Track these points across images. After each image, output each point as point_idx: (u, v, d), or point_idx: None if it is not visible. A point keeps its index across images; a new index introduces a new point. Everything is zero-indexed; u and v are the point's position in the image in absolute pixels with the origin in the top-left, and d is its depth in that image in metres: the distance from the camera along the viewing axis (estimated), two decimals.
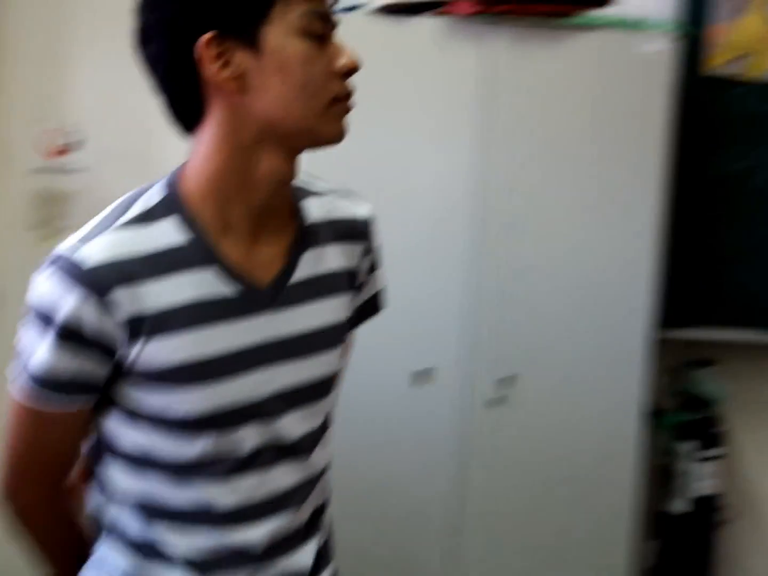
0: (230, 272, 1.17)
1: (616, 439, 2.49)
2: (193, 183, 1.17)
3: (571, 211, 2.43)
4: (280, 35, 1.12)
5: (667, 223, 2.49)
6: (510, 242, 2.42)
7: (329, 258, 1.28)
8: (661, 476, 2.74)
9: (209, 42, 1.10)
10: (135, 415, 1.17)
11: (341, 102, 1.17)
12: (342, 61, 1.16)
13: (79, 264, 1.09)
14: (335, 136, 1.18)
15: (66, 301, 1.09)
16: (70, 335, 1.10)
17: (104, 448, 1.22)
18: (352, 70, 1.17)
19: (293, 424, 1.24)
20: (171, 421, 1.16)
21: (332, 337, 1.29)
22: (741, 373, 2.80)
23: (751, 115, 2.66)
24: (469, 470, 2.48)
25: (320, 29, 1.14)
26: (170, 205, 1.16)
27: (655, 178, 2.42)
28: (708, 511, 2.68)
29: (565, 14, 2.38)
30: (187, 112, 1.17)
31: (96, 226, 1.15)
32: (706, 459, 2.64)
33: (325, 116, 1.16)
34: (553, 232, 2.43)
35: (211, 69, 1.12)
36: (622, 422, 2.48)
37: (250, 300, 1.19)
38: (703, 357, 2.74)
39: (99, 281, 1.09)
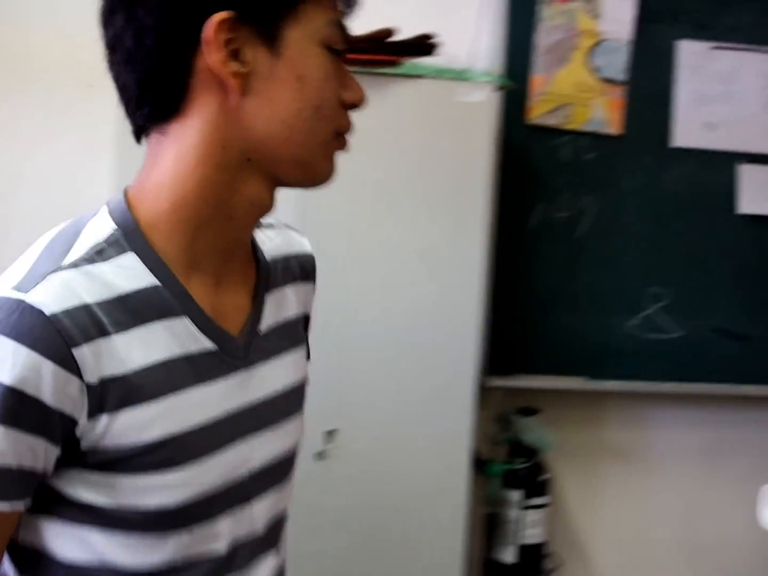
0: (206, 322, 0.94)
1: (444, 488, 2.46)
2: (159, 208, 0.93)
3: (395, 259, 2.40)
4: (304, 39, 0.92)
5: (492, 272, 2.50)
6: (333, 292, 2.37)
7: (288, 302, 1.09)
8: (490, 525, 2.74)
9: (222, 24, 0.88)
10: (86, 513, 0.89)
11: (342, 137, 1.00)
12: (353, 92, 0.98)
13: (31, 314, 0.83)
14: (327, 176, 1.01)
15: (13, 365, 0.82)
16: (16, 411, 0.82)
17: (27, 562, 0.92)
18: (358, 103, 1.00)
19: (265, 511, 1.04)
20: (137, 518, 0.90)
21: (299, 398, 1.11)
22: (564, 421, 2.83)
23: (573, 164, 2.71)
24: (293, 526, 2.40)
25: (342, 45, 0.96)
26: (126, 237, 0.92)
27: (479, 226, 2.42)
28: (535, 559, 2.68)
29: (389, 63, 2.37)
30: (158, 103, 0.92)
31: (35, 267, 0.88)
32: (533, 507, 2.65)
33: (326, 149, 0.99)
34: (378, 281, 2.40)
35: (214, 56, 0.89)
36: (450, 471, 2.46)
37: (226, 356, 0.96)
38: (529, 405, 2.76)
39: (60, 335, 0.83)
